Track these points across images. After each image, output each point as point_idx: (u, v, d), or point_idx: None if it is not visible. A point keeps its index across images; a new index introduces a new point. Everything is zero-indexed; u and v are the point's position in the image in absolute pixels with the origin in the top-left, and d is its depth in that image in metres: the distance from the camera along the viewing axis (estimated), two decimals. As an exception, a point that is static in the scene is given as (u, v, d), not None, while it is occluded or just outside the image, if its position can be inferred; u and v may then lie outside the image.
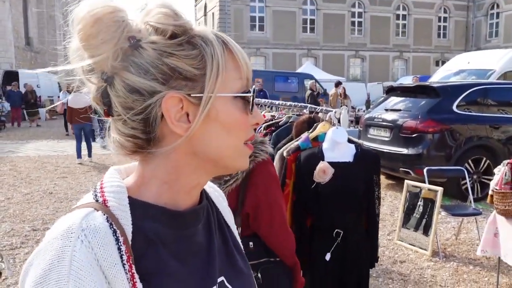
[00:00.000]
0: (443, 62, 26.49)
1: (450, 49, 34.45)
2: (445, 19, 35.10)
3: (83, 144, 9.44)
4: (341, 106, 12.88)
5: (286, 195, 2.42)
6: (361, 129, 7.97)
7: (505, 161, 3.63)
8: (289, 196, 2.44)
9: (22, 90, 18.84)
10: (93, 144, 9.75)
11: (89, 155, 9.60)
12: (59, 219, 0.64)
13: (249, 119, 0.70)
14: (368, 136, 7.52)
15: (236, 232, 0.88)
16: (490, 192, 3.69)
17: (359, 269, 2.49)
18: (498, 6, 32.52)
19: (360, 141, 2.50)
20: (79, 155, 9.49)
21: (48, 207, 6.11)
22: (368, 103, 20.47)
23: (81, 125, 9.18)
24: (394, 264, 4.38)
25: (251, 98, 0.70)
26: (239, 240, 0.88)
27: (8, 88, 18.98)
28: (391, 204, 6.55)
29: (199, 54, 0.65)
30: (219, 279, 0.74)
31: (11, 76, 21.59)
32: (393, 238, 5.05)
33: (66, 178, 8.00)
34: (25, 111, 18.44)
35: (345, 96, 15.06)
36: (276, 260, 1.66)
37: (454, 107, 6.68)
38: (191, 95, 0.65)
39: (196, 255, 0.72)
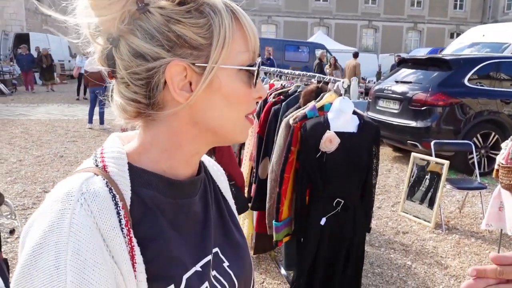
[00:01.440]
0: (458, 35, 25.91)
1: (466, 21, 33.63)
2: (462, -11, 34.17)
3: (96, 110, 9.38)
4: (331, 75, 12.68)
5: (291, 162, 2.45)
6: (370, 100, 7.91)
7: (514, 136, 3.62)
8: (293, 163, 2.47)
9: (33, 53, 18.81)
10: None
11: (101, 121, 9.50)
12: (59, 183, 0.65)
13: (252, 93, 0.70)
14: (377, 108, 7.48)
15: (233, 206, 0.89)
16: (495, 167, 3.69)
17: (355, 235, 2.55)
18: (518, -23, 31.50)
19: (361, 112, 2.52)
20: (90, 120, 9.52)
21: (58, 170, 6.22)
22: (379, 75, 20.22)
23: (96, 88, 8.78)
24: (397, 235, 4.45)
25: (256, 71, 0.69)
26: (236, 214, 0.89)
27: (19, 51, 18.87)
28: (397, 176, 6.58)
29: (206, 23, 0.64)
30: (214, 250, 0.76)
31: (22, 39, 21.56)
32: (397, 209, 5.11)
33: (76, 142, 8.11)
34: (37, 75, 18.32)
35: (335, 67, 14.70)
36: (233, 182, 2.43)
37: (465, 81, 6.60)
38: (196, 64, 0.65)
39: (192, 225, 0.73)
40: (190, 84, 0.66)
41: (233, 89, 0.67)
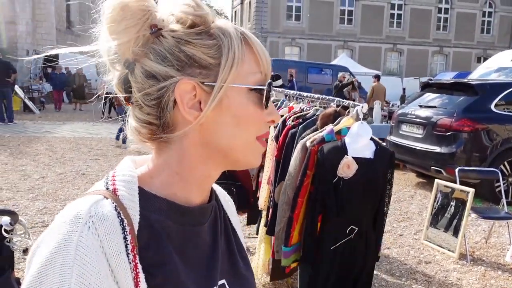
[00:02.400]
0: (485, 59, 25.54)
1: (493, 45, 33.21)
2: (489, 13, 33.83)
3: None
4: (352, 98, 12.47)
5: (305, 186, 2.40)
6: (393, 124, 7.80)
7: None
8: (308, 187, 2.42)
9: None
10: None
11: (124, 140, 9.68)
12: (69, 204, 0.65)
13: (263, 115, 0.70)
14: (400, 132, 7.36)
15: (242, 237, 0.88)
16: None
17: (365, 263, 2.48)
18: (547, 1, 31.07)
19: (393, 139, 2.48)
20: (117, 137, 9.64)
21: (79, 187, 6.29)
22: (403, 98, 20.02)
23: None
24: (419, 265, 4.30)
25: (265, 91, 0.69)
26: (244, 245, 0.87)
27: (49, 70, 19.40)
28: (420, 203, 6.41)
29: (216, 44, 0.67)
30: (220, 282, 0.74)
31: (52, 59, 22.22)
32: (420, 237, 4.95)
33: (99, 160, 8.21)
34: (66, 94, 18.65)
35: (354, 88, 14.50)
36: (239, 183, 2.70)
37: (492, 106, 6.44)
38: (205, 83, 0.66)
39: (200, 254, 0.72)
40: (200, 103, 0.67)
41: (242, 109, 0.68)
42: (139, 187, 0.68)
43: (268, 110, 0.71)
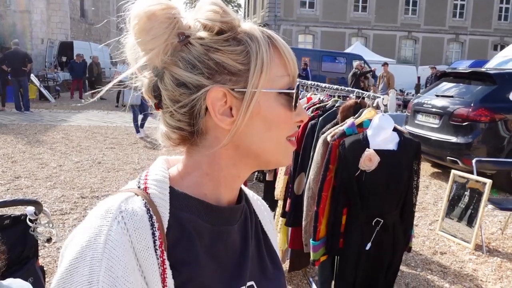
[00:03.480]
0: (503, 47, 25.07)
1: (511, 32, 32.53)
2: (507, 0, 33.07)
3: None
4: (362, 87, 12.34)
5: (329, 180, 2.40)
6: (408, 114, 7.73)
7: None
8: (331, 181, 2.42)
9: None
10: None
11: (137, 130, 9.53)
12: (102, 201, 0.67)
13: (293, 116, 0.71)
14: (416, 122, 7.30)
15: (276, 244, 0.88)
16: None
17: (394, 256, 2.47)
18: None
19: (401, 128, 2.45)
20: (137, 130, 9.53)
21: (96, 176, 6.37)
22: (418, 87, 19.80)
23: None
24: (434, 255, 4.29)
25: (295, 95, 0.70)
26: (277, 251, 0.88)
27: (62, 58, 19.50)
28: (435, 193, 6.38)
29: (244, 49, 0.67)
30: (249, 283, 0.75)
31: (66, 47, 22.39)
32: (435, 228, 4.93)
33: (114, 149, 8.29)
34: (86, 82, 18.74)
35: (366, 77, 14.38)
36: None
37: (510, 96, 6.34)
38: (235, 89, 0.67)
39: (229, 254, 0.73)
40: (231, 109, 0.68)
41: (272, 113, 0.69)
42: (170, 186, 0.70)
43: (297, 111, 0.72)
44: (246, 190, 0.86)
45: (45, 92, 16.33)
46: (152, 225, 0.63)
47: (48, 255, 3.75)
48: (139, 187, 0.70)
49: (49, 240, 2.11)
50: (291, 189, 3.05)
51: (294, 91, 0.70)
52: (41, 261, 2.98)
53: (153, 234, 0.63)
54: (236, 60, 0.67)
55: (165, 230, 0.65)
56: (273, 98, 0.69)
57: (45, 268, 2.36)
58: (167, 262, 0.63)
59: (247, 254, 0.76)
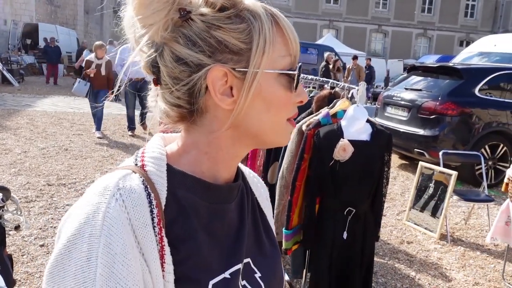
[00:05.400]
0: (468, 43, 25.78)
1: (477, 29, 33.51)
2: (474, -3, 34.00)
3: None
4: (333, 79, 12.55)
5: (303, 170, 2.41)
6: (378, 106, 7.86)
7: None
8: (305, 171, 2.43)
9: (42, 44, 18.80)
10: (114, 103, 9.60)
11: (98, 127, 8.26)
12: (99, 178, 0.67)
13: (293, 97, 0.70)
14: (385, 114, 7.44)
15: (271, 219, 0.89)
16: (505, 180, 3.65)
17: (365, 245, 2.51)
18: (531, -13, 31.33)
19: (373, 119, 2.49)
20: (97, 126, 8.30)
21: (63, 163, 6.21)
22: (387, 80, 20.15)
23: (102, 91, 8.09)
24: (401, 244, 4.41)
25: (296, 76, 0.69)
26: (273, 228, 0.88)
27: (29, 42, 18.78)
28: (402, 184, 6.54)
29: (246, 28, 0.65)
30: (245, 260, 0.75)
31: (31, 29, 21.60)
32: (402, 218, 5.06)
33: (82, 136, 8.09)
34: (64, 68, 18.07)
35: (338, 69, 14.59)
36: None
37: (476, 91, 6.54)
38: (236, 69, 0.65)
39: (226, 231, 0.73)
40: (231, 89, 0.67)
41: (273, 93, 0.68)
42: (167, 164, 0.69)
43: (297, 92, 0.71)
44: (243, 167, 0.85)
45: (8, 75, 15.73)
46: (150, 202, 0.63)
47: (13, 244, 3.64)
48: (136, 164, 0.69)
49: (17, 228, 2.05)
50: (263, 178, 3.05)
51: (296, 72, 0.69)
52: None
53: (151, 211, 0.63)
54: (238, 39, 0.65)
55: (163, 207, 0.65)
56: (274, 78, 0.67)
57: (13, 257, 2.29)
58: (165, 239, 0.63)
59: (243, 232, 0.76)
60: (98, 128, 8.22)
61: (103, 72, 7.97)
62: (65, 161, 6.30)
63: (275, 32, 0.67)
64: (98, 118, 8.26)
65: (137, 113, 8.60)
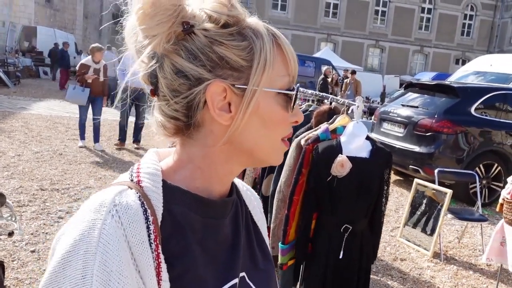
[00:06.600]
0: (464, 61, 26.05)
1: (472, 48, 33.88)
2: (471, 17, 34.40)
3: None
4: (330, 93, 12.57)
5: (301, 184, 2.40)
6: (375, 122, 7.90)
7: (520, 172, 3.59)
8: (303, 185, 2.42)
9: (41, 47, 18.76)
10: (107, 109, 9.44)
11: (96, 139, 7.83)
12: (95, 194, 0.66)
13: (289, 117, 0.71)
14: (381, 130, 7.46)
15: (265, 233, 0.89)
16: (500, 201, 3.66)
17: (362, 264, 2.49)
18: (526, 9, 31.77)
19: (374, 137, 2.48)
20: (82, 136, 7.87)
21: (57, 168, 6.16)
22: (383, 95, 20.26)
23: (98, 98, 7.82)
24: (395, 261, 4.39)
25: (294, 96, 0.70)
26: (267, 241, 0.88)
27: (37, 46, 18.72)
28: (396, 200, 6.54)
29: (248, 46, 0.66)
30: (241, 274, 0.75)
31: (29, 32, 21.58)
32: (396, 235, 5.05)
33: (77, 141, 8.03)
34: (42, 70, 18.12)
35: (336, 83, 14.66)
36: None
37: (472, 110, 6.58)
38: (236, 85, 0.66)
39: (221, 246, 0.73)
40: (229, 105, 0.67)
41: (270, 112, 0.68)
42: (162, 179, 0.69)
43: (294, 112, 0.71)
44: (236, 180, 0.86)
45: (4, 77, 15.68)
46: (146, 218, 0.63)
47: (3, 249, 3.59)
48: (131, 180, 0.69)
49: (10, 234, 2.02)
50: (259, 190, 3.04)
51: (293, 92, 0.70)
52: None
53: (148, 228, 0.62)
54: (240, 56, 0.66)
55: (159, 224, 0.64)
56: (272, 97, 0.68)
57: (4, 264, 2.25)
58: (161, 256, 0.62)
59: (238, 247, 0.76)
60: (97, 139, 7.71)
61: (101, 77, 7.56)
62: (59, 166, 6.25)
63: (275, 52, 0.68)
64: (95, 128, 7.75)
65: (131, 119, 8.37)
